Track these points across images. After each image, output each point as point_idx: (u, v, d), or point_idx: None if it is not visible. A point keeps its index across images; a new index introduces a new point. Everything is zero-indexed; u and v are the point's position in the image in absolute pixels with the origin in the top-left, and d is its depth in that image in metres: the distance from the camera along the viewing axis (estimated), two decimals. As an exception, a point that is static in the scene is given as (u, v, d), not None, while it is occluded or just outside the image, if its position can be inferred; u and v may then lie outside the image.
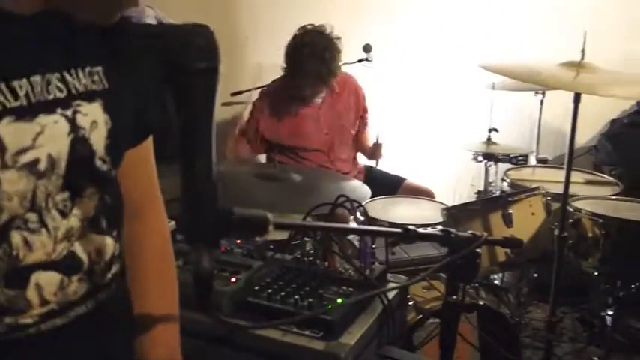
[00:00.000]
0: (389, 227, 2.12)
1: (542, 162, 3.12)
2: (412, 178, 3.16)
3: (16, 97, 0.70)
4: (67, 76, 0.77)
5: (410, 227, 1.06)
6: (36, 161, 0.73)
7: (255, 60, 3.46)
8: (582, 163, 3.37)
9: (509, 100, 3.31)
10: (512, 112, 3.46)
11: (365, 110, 3.11)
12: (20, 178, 0.72)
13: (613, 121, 3.43)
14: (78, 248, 0.82)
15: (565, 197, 2.01)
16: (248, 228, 0.71)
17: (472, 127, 3.27)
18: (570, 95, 1.88)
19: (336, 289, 1.42)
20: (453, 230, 1.16)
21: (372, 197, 2.44)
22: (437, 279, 2.23)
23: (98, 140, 0.81)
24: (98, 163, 0.82)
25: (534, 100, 3.18)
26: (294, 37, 2.83)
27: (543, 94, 3.11)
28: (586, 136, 3.65)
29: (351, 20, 3.42)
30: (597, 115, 3.60)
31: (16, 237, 0.74)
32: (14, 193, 0.72)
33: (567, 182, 2.00)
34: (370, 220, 2.24)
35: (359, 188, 2.08)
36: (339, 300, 1.37)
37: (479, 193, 3.03)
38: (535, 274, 2.54)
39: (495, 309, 2.24)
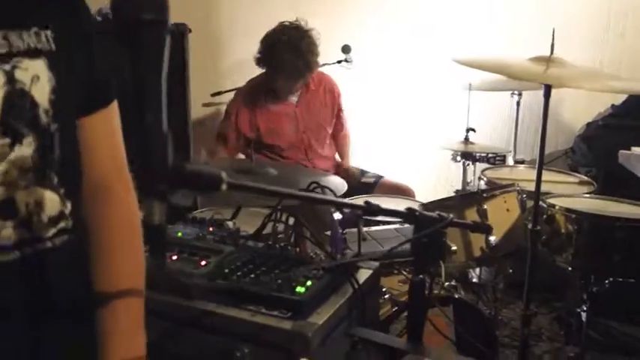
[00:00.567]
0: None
1: (520, 162, 3.16)
2: (393, 177, 3.18)
3: None
4: (11, 35, 0.84)
5: (372, 202, 1.07)
6: None
7: (236, 61, 3.48)
8: (559, 164, 3.42)
9: (487, 101, 3.36)
10: (490, 113, 3.51)
11: (340, 109, 3.13)
12: None
13: (589, 124, 3.49)
14: (18, 197, 0.86)
15: (537, 190, 2.04)
16: (200, 183, 0.72)
17: (450, 127, 3.31)
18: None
19: (306, 272, 1.43)
20: (418, 209, 1.18)
21: (350, 195, 2.46)
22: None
23: (41, 94, 0.87)
24: (42, 115, 0.87)
25: (512, 101, 3.22)
26: (271, 30, 2.86)
27: (520, 95, 3.15)
28: (563, 139, 3.71)
29: (330, 21, 3.46)
30: (574, 119, 3.67)
31: None
32: None
33: (539, 175, 2.02)
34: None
35: (334, 181, 2.09)
36: (308, 282, 1.38)
37: (457, 192, 3.06)
38: (511, 270, 2.56)
39: (471, 303, 2.25)
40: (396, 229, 2.45)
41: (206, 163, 2.81)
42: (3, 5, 0.84)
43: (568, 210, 2.29)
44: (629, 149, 2.66)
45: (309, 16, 3.04)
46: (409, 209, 1.15)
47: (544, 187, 2.55)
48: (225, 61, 3.56)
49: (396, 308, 2.04)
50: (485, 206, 2.36)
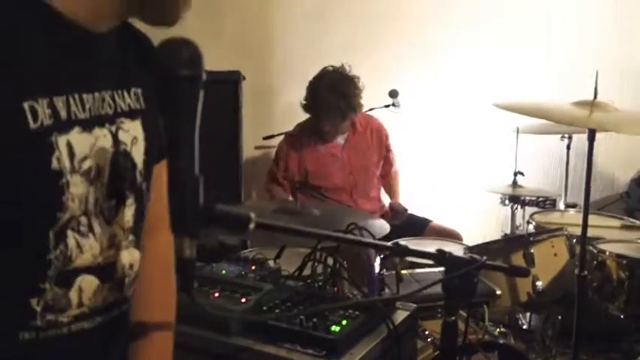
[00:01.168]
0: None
1: (571, 206, 3.09)
2: (439, 220, 3.18)
3: (83, 109, 0.81)
4: (116, 96, 0.87)
5: (402, 243, 1.10)
6: (90, 169, 0.82)
7: (288, 105, 3.60)
8: (614, 209, 3.33)
9: (536, 144, 3.33)
10: (539, 156, 3.47)
11: (388, 149, 3.18)
12: (82, 182, 0.81)
13: (645, 168, 3.39)
14: (121, 258, 0.89)
15: (584, 234, 2.00)
16: (229, 222, 0.78)
17: (499, 171, 3.29)
18: (600, 137, 1.90)
19: (342, 312, 1.46)
20: (448, 250, 1.20)
21: (397, 238, 2.47)
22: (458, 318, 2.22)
23: (138, 155, 0.90)
24: (138, 175, 0.90)
25: (561, 144, 3.19)
26: (315, 76, 2.98)
27: (570, 138, 3.11)
28: (620, 182, 3.61)
29: (379, 66, 3.55)
30: (630, 162, 3.58)
31: (71, 238, 0.81)
32: (76, 195, 0.80)
33: (585, 219, 1.99)
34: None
35: (376, 223, 2.12)
36: (344, 321, 1.41)
37: (505, 236, 3.01)
38: (560, 317, 2.49)
39: (517, 349, 2.20)
40: (440, 271, 2.43)
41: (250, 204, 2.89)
42: (111, 66, 0.86)
43: (619, 256, 2.23)
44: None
45: (360, 61, 3.14)
46: (439, 251, 1.17)
47: (596, 232, 2.51)
48: (278, 106, 3.69)
49: (438, 353, 2.03)
50: (532, 250, 2.33)
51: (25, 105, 0.73)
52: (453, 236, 2.97)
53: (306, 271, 1.70)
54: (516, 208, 2.97)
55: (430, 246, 2.82)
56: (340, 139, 3.06)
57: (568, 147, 3.15)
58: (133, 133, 0.89)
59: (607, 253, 2.26)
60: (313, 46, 3.63)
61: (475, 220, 3.67)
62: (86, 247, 0.82)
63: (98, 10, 0.80)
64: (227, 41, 3.37)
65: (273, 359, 1.34)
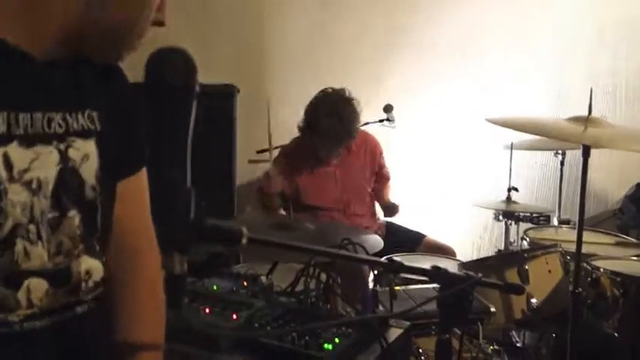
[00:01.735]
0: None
1: (565, 222, 3.09)
2: (434, 236, 3.16)
3: (25, 126, 0.86)
4: (68, 117, 0.92)
5: (396, 259, 1.08)
6: (31, 181, 0.87)
7: (281, 119, 3.59)
8: (608, 225, 3.33)
9: (530, 160, 3.33)
10: (533, 172, 3.47)
11: (381, 166, 3.16)
12: (22, 191, 0.86)
13: (639, 184, 3.39)
14: (73, 266, 0.93)
15: (578, 251, 1.99)
16: (220, 238, 0.76)
17: (493, 186, 3.29)
18: (594, 154, 1.90)
19: (335, 329, 1.43)
20: (443, 267, 1.18)
21: (391, 253, 2.45)
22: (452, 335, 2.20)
23: (89, 171, 0.94)
24: (88, 190, 0.94)
25: (555, 160, 3.19)
26: (314, 97, 2.96)
27: (563, 154, 3.12)
28: (614, 199, 3.62)
29: (374, 81, 3.55)
30: (624, 179, 3.59)
31: (19, 245, 0.86)
32: (17, 202, 0.85)
33: (580, 236, 1.98)
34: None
35: (370, 239, 2.10)
36: (337, 339, 1.38)
37: (499, 252, 3.00)
38: (554, 335, 2.47)
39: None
40: (435, 288, 2.41)
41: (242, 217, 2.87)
42: (65, 88, 0.92)
43: (613, 273, 2.22)
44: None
45: (355, 77, 3.15)
46: (434, 267, 1.16)
47: (590, 249, 2.49)
48: (272, 120, 3.68)
49: (432, 371, 2.00)
50: (526, 267, 2.32)
51: None
52: (446, 252, 2.96)
53: (300, 287, 1.67)
54: (510, 224, 2.96)
55: (424, 262, 2.82)
56: (334, 159, 3.04)
57: (562, 163, 3.16)
58: (84, 151, 0.93)
59: (601, 270, 2.25)
60: (310, 60, 3.63)
61: (469, 235, 3.67)
62: (34, 254, 0.87)
63: (38, 39, 0.85)
64: (221, 54, 3.37)
65: (264, 377, 1.31)
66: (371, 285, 2.01)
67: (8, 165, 0.83)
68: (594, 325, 2.29)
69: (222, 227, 0.76)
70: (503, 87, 3.65)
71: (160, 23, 0.91)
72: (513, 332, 2.69)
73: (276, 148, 3.25)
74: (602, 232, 2.93)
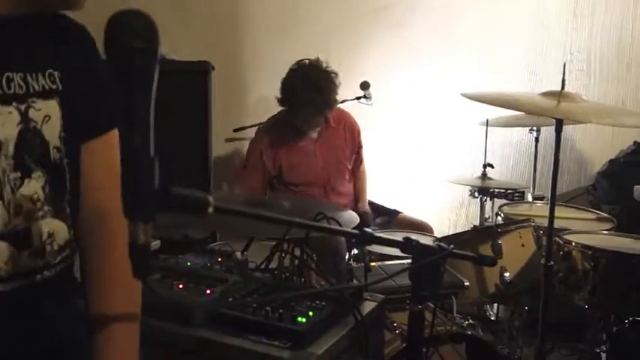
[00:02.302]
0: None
1: (539, 199, 3.13)
2: (411, 212, 3.18)
3: None
4: (29, 77, 0.90)
5: (368, 230, 1.08)
6: None
7: (259, 98, 3.56)
8: (582, 201, 3.38)
9: (506, 137, 3.36)
10: (509, 149, 3.50)
11: (359, 146, 3.16)
12: None
13: (611, 161, 3.45)
14: (34, 227, 0.92)
15: (550, 225, 2.02)
16: (186, 206, 0.74)
17: (469, 163, 3.31)
18: (568, 131, 1.92)
19: (309, 303, 1.43)
20: (415, 238, 1.19)
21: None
22: (425, 309, 2.22)
23: (52, 132, 0.93)
24: (52, 151, 0.93)
25: (530, 137, 3.22)
26: (290, 70, 2.93)
27: (538, 131, 3.15)
28: (587, 176, 3.67)
29: (350, 58, 3.53)
30: (598, 156, 3.64)
31: None
32: None
33: (552, 210, 2.00)
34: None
35: (345, 215, 2.10)
36: (310, 312, 1.38)
37: (475, 227, 3.03)
38: (527, 308, 2.51)
39: (484, 340, 2.21)
40: (408, 263, 2.43)
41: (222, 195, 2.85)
42: (24, 48, 0.91)
43: (584, 246, 2.26)
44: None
45: (331, 53, 3.12)
46: (406, 239, 1.16)
47: (563, 224, 2.53)
48: (249, 98, 3.65)
49: (406, 344, 2.02)
50: (500, 241, 2.34)
51: None
52: (423, 228, 2.98)
53: (275, 264, 1.67)
54: (485, 200, 2.99)
55: (399, 237, 2.83)
56: (314, 134, 3.03)
57: (536, 140, 3.19)
58: (45, 112, 0.92)
59: (573, 243, 2.29)
60: (286, 36, 3.59)
61: (445, 212, 3.70)
62: None
63: None
64: (196, 30, 3.31)
65: (237, 351, 1.31)
66: (345, 261, 2.02)
67: None
68: (566, 298, 2.33)
69: (188, 195, 0.74)
70: (479, 65, 3.66)
71: None
72: (487, 306, 2.73)
73: (253, 126, 3.24)
74: (574, 208, 2.98)
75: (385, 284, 2.22)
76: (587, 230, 2.55)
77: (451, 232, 3.50)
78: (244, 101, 3.65)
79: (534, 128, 3.16)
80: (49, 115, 0.93)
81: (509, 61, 3.67)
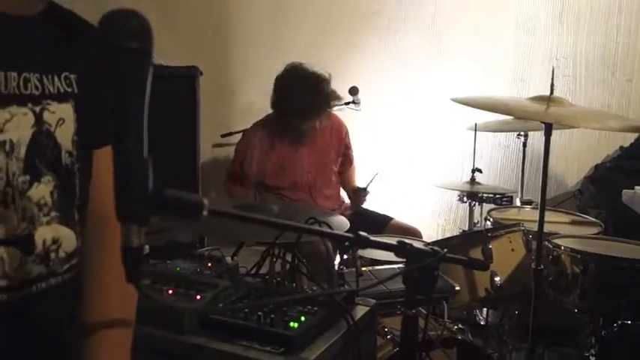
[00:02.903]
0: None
1: (527, 203, 3.14)
2: (400, 218, 3.18)
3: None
4: (44, 78, 0.89)
5: (363, 234, 1.07)
6: (4, 142, 0.84)
7: (246, 102, 3.55)
8: (569, 205, 3.40)
9: (494, 142, 3.38)
10: (497, 154, 3.52)
11: (347, 147, 3.16)
12: None
13: (597, 166, 3.48)
14: (38, 233, 0.89)
15: (540, 230, 2.02)
16: (180, 209, 0.73)
17: (457, 168, 3.32)
18: (555, 136, 1.93)
19: (301, 308, 1.42)
20: (409, 242, 1.18)
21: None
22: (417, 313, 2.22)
23: (65, 136, 0.92)
24: (64, 156, 0.92)
25: (518, 142, 3.24)
26: (281, 72, 2.92)
27: (526, 136, 3.16)
28: (574, 181, 3.70)
29: (339, 63, 3.53)
30: (584, 161, 3.67)
31: None
32: None
33: (542, 214, 2.01)
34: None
35: (335, 219, 2.09)
36: (302, 317, 1.37)
37: (463, 232, 3.04)
38: (517, 312, 2.52)
39: (475, 345, 2.21)
40: (400, 268, 2.43)
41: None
42: (41, 50, 0.89)
43: (573, 250, 2.26)
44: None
45: (319, 59, 3.12)
46: (400, 242, 1.15)
47: (551, 228, 2.54)
48: (236, 104, 3.63)
49: (397, 349, 2.01)
50: (490, 246, 2.35)
51: None
52: (413, 233, 2.98)
53: (265, 269, 1.66)
54: (474, 205, 2.99)
55: (391, 241, 2.83)
56: (302, 137, 3.02)
57: (524, 144, 3.20)
58: (59, 115, 0.91)
59: (562, 247, 2.29)
60: (274, 42, 3.59)
61: (434, 217, 3.70)
62: (6, 219, 0.85)
63: None
64: (182, 36, 3.30)
65: (229, 357, 1.30)
66: (336, 266, 2.01)
67: None
68: (555, 302, 2.33)
69: (182, 198, 0.73)
70: (467, 71, 3.68)
71: None
72: (477, 311, 2.73)
73: (241, 131, 3.22)
74: (562, 212, 2.99)
75: (377, 289, 2.21)
76: (575, 234, 2.56)
77: (440, 237, 3.50)
78: (232, 107, 3.64)
79: (522, 133, 3.18)
80: (63, 119, 0.91)
81: (497, 68, 3.70)
